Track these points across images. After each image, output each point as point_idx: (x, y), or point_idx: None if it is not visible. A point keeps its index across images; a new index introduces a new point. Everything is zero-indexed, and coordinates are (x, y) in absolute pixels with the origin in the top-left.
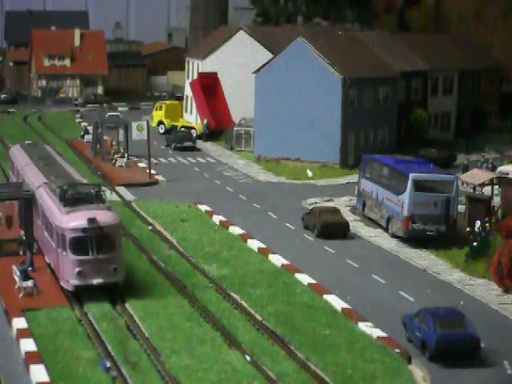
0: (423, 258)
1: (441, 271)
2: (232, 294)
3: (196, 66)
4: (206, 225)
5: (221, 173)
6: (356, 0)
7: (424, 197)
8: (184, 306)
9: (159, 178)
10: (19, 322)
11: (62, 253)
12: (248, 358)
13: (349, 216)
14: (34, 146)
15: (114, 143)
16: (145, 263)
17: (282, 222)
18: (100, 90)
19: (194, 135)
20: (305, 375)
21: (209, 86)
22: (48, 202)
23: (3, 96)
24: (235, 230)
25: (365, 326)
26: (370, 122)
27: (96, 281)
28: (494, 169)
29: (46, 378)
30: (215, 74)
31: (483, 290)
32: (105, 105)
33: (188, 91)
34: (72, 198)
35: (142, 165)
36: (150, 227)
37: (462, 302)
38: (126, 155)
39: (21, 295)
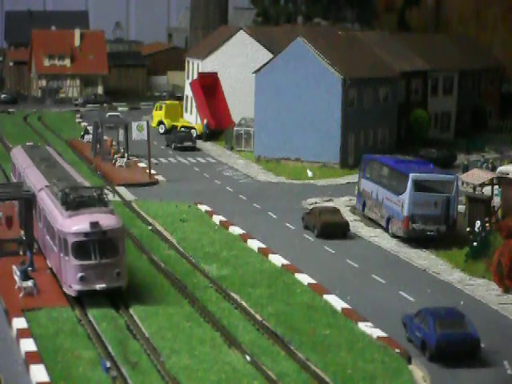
0: (423, 258)
1: (441, 271)
2: (232, 293)
3: (196, 66)
4: (206, 225)
5: (221, 173)
6: (356, 0)
7: (424, 197)
8: (184, 305)
9: (159, 178)
10: (19, 322)
11: (64, 257)
12: (248, 358)
13: (349, 216)
14: (35, 147)
15: (113, 143)
16: (145, 263)
17: (282, 222)
18: (100, 90)
19: (194, 135)
20: (305, 375)
21: (209, 86)
22: (50, 205)
23: (3, 96)
24: (235, 230)
25: (365, 326)
26: (370, 122)
27: (99, 286)
28: (494, 169)
29: (46, 378)
30: (215, 73)
31: (483, 289)
32: (105, 105)
33: (188, 91)
34: (74, 202)
35: (142, 165)
36: (150, 227)
37: (462, 302)
38: (126, 155)
39: (21, 295)
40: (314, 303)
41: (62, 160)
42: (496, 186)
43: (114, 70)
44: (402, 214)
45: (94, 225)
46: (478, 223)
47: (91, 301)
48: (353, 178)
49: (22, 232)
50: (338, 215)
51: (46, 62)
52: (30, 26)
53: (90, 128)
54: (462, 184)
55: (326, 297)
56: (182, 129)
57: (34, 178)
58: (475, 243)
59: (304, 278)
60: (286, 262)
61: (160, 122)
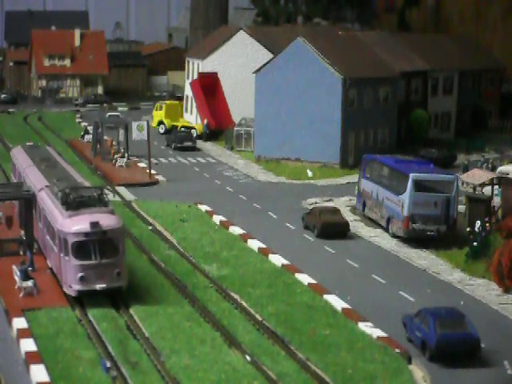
0: (423, 258)
1: (441, 271)
2: (232, 293)
3: (196, 66)
4: (206, 225)
5: (221, 173)
6: (356, 0)
7: (424, 197)
8: (184, 305)
9: (159, 177)
10: (19, 322)
11: (64, 257)
12: (248, 358)
13: (349, 216)
14: (35, 147)
15: (114, 143)
16: (145, 263)
17: (282, 222)
18: (100, 90)
19: (194, 135)
20: (305, 375)
21: (209, 86)
22: (50, 205)
23: (3, 96)
24: (235, 230)
25: (365, 326)
26: (370, 122)
27: (99, 286)
28: (494, 169)
29: (46, 378)
30: (215, 74)
31: (483, 289)
32: (105, 105)
33: (188, 91)
34: (74, 202)
35: (142, 165)
36: (150, 227)
37: (462, 302)
38: (126, 155)
39: (21, 295)
40: (314, 303)
41: (62, 160)
42: (496, 186)
43: (114, 70)
44: (402, 214)
45: (94, 225)
46: (478, 223)
47: (91, 301)
48: (353, 178)
49: (22, 232)
50: (338, 215)
51: (46, 62)
52: (29, 25)
53: (90, 128)
54: (462, 184)
55: (326, 297)
56: (182, 129)
57: (34, 178)
58: (475, 243)
59: (304, 278)
60: (286, 261)
61: (160, 122)
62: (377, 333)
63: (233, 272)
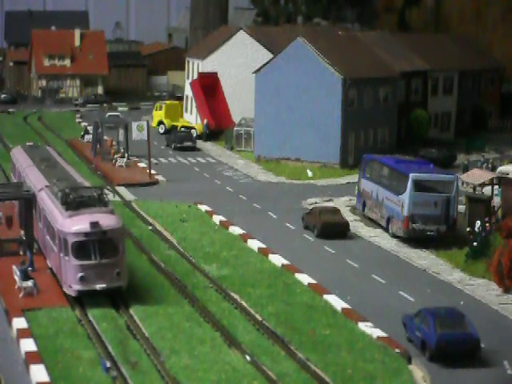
0: (423, 258)
1: (441, 271)
2: (232, 293)
3: (196, 66)
4: (206, 225)
5: (221, 173)
6: (356, 0)
7: (424, 197)
8: (184, 305)
9: (159, 178)
10: (19, 322)
11: (64, 257)
12: (248, 358)
13: (349, 216)
14: (35, 147)
15: (113, 143)
16: (145, 263)
17: (282, 222)
18: (100, 89)
19: (194, 135)
20: (305, 375)
21: (209, 86)
22: (50, 205)
23: (3, 96)
24: (235, 230)
25: (365, 326)
26: (370, 122)
27: (99, 286)
28: (494, 169)
29: (46, 378)
30: (215, 74)
31: (483, 289)
32: (105, 105)
33: (188, 91)
34: (74, 202)
35: (142, 165)
36: (150, 227)
37: (462, 302)
38: (126, 155)
39: (21, 295)
40: (314, 303)
41: (62, 160)
42: (496, 186)
43: (114, 70)
44: (401, 214)
45: (94, 225)
46: (478, 223)
47: (91, 301)
48: (353, 178)
49: (22, 232)
50: (338, 215)
51: (46, 62)
52: (29, 25)
53: (90, 128)
54: (462, 184)
55: (326, 297)
56: (182, 129)
57: (34, 178)
58: (475, 243)
59: (304, 278)
60: (286, 261)
61: (160, 122)
62: (377, 333)
63: (233, 272)
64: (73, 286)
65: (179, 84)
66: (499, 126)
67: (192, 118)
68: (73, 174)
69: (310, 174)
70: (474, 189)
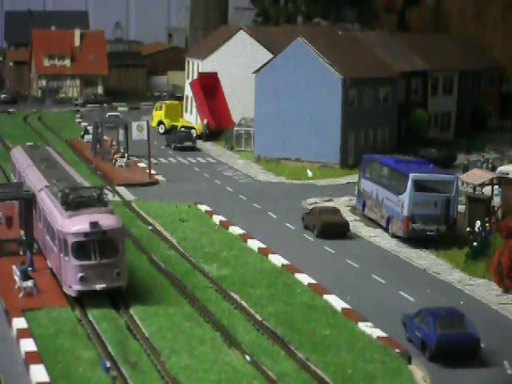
0: (423, 258)
1: (441, 271)
2: (232, 293)
3: (196, 66)
4: (206, 225)
5: (221, 173)
6: (356, 0)
7: (424, 197)
8: (184, 306)
9: (159, 178)
10: (19, 322)
11: (64, 258)
12: (248, 358)
13: (349, 216)
14: (35, 147)
15: (113, 143)
16: (145, 263)
17: (282, 222)
18: (100, 89)
19: (194, 135)
20: (305, 375)
21: (209, 86)
22: (49, 205)
23: (3, 96)
24: (235, 230)
25: (365, 326)
26: (370, 122)
27: (99, 286)
28: (494, 169)
29: (46, 378)
30: (215, 74)
31: (483, 289)
32: (105, 105)
33: (188, 91)
34: (74, 202)
35: (141, 165)
36: (150, 227)
37: (461, 302)
38: (126, 155)
39: (21, 295)
40: (314, 303)
41: (62, 160)
42: (496, 186)
43: (114, 70)
44: (401, 214)
45: (94, 225)
46: (478, 223)
47: (91, 301)
48: (353, 178)
49: (22, 232)
50: (338, 215)
51: (46, 62)
52: (29, 25)
53: (89, 128)
54: (462, 184)
55: (326, 297)
56: (182, 129)
57: (34, 178)
58: (475, 243)
59: (304, 278)
60: (286, 261)
61: (160, 122)
62: (377, 333)
63: (233, 272)
64: (73, 286)
65: (179, 84)
66: (499, 126)
67: (192, 118)
68: (73, 174)
69: (310, 174)
70: (474, 189)
